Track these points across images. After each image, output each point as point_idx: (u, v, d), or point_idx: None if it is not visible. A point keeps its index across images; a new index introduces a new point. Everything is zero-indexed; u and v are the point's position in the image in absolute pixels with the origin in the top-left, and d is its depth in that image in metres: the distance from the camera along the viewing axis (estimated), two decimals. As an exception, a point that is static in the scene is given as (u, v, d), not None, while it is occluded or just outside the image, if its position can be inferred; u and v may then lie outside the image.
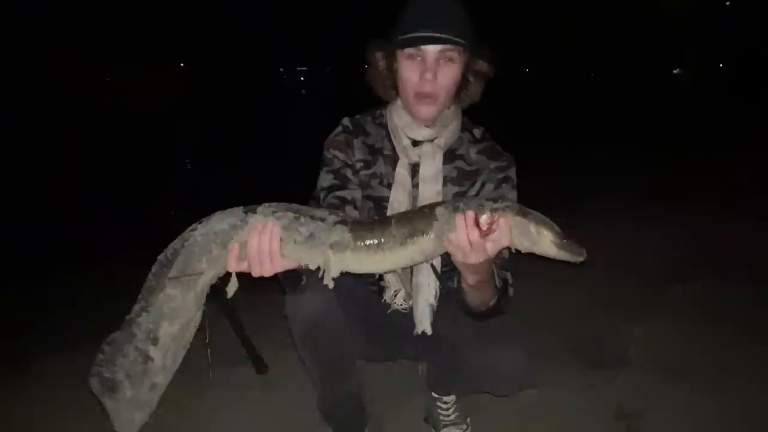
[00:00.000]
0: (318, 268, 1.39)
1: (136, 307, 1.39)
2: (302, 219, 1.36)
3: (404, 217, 1.42)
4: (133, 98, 23.76)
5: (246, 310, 3.00)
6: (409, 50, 1.63)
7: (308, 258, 1.38)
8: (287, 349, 2.66)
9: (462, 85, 1.72)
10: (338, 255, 1.38)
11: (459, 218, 1.36)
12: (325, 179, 1.75)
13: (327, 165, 1.77)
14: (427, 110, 1.68)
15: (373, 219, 1.44)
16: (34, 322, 3.34)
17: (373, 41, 1.74)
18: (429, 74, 1.62)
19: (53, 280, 4.03)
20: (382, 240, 1.38)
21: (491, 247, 1.39)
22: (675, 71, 38.96)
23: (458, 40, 1.60)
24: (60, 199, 6.78)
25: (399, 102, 1.77)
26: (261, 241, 1.33)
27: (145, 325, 1.36)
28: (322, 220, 1.37)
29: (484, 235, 1.37)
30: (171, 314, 1.36)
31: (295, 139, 10.74)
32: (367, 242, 1.38)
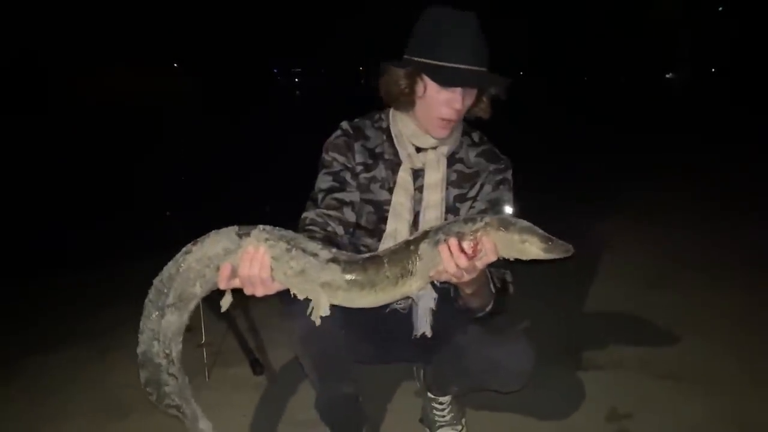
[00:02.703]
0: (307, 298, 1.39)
1: (144, 337, 1.41)
2: (294, 252, 1.34)
3: (395, 257, 1.41)
4: (126, 98, 23.68)
5: (241, 311, 3.02)
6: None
7: (298, 290, 1.38)
8: (283, 349, 2.68)
9: (474, 103, 1.73)
10: (329, 293, 1.37)
11: (443, 249, 1.37)
12: (324, 181, 1.76)
13: (326, 167, 1.78)
14: (446, 132, 1.71)
15: (364, 257, 1.42)
16: (30, 321, 3.34)
17: (400, 61, 1.70)
18: (458, 105, 1.63)
19: (49, 279, 4.03)
20: (376, 280, 1.38)
21: (481, 264, 1.41)
22: (668, 75, 39.19)
23: (492, 77, 1.63)
24: (56, 200, 6.76)
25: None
26: (251, 269, 1.34)
27: (162, 351, 1.41)
28: (314, 255, 1.35)
29: (471, 258, 1.38)
30: (174, 336, 1.42)
31: (289, 140, 10.75)
32: (361, 282, 1.38)
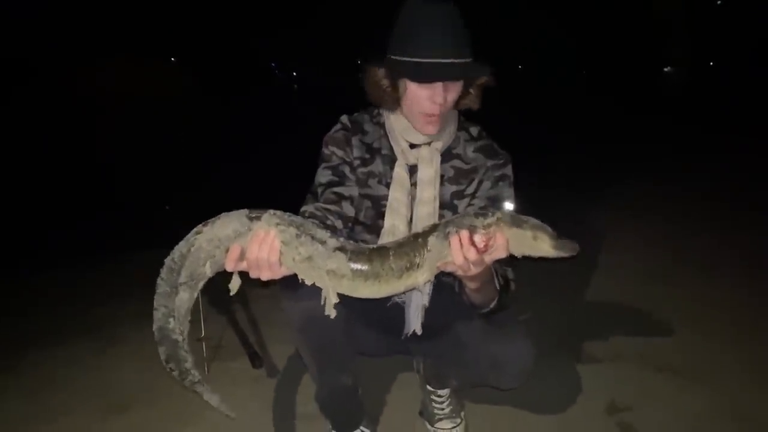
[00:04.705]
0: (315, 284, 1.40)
1: (159, 314, 1.41)
2: (303, 238, 1.35)
3: (401, 249, 1.41)
4: (124, 93, 23.61)
5: (240, 304, 3.03)
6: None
7: (305, 276, 1.39)
8: (283, 343, 2.69)
9: (462, 94, 1.72)
10: (334, 281, 1.38)
11: (454, 240, 1.37)
12: (323, 175, 1.76)
13: (325, 161, 1.78)
14: (433, 128, 1.69)
15: (371, 248, 1.41)
16: (29, 317, 3.33)
17: (376, 58, 1.70)
18: (440, 99, 1.61)
19: (48, 274, 4.02)
20: (380, 272, 1.38)
21: (489, 259, 1.41)
22: (666, 69, 39.19)
23: (470, 68, 1.60)
24: (55, 195, 6.76)
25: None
26: (260, 251, 1.34)
27: (178, 328, 1.43)
28: (323, 243, 1.36)
29: (482, 252, 1.38)
30: (186, 313, 1.44)
31: (286, 135, 10.74)
32: (365, 273, 1.38)
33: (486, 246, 1.38)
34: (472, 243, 1.37)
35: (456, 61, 1.58)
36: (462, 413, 2.11)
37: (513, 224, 1.39)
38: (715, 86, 20.80)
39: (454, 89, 1.65)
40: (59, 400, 2.40)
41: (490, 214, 1.41)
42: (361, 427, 1.95)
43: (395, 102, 1.72)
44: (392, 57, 1.65)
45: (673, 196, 5.24)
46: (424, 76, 1.59)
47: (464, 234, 1.37)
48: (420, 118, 1.67)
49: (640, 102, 15.62)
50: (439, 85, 1.60)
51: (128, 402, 2.36)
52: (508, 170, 1.83)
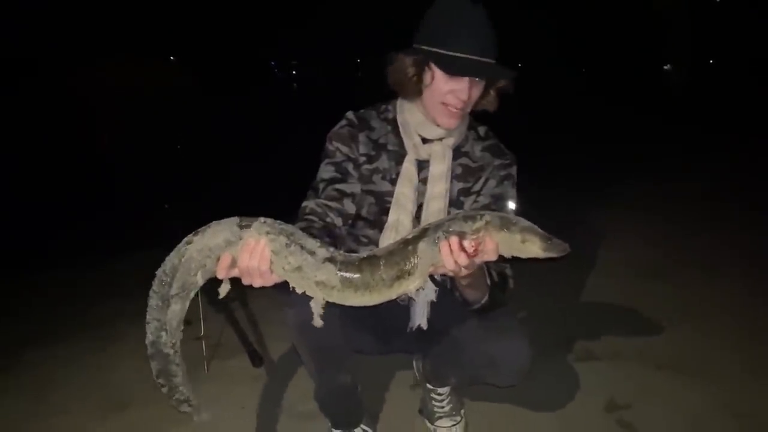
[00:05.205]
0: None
1: (152, 328, 1.40)
2: (293, 247, 1.34)
3: (391, 258, 1.39)
4: (123, 92, 23.60)
5: (240, 303, 3.03)
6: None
7: (296, 285, 1.38)
8: (282, 342, 2.69)
9: (483, 95, 1.73)
10: (324, 292, 1.37)
11: (443, 247, 1.37)
12: (326, 171, 1.76)
13: (329, 157, 1.78)
14: (454, 122, 1.71)
15: (361, 258, 1.40)
16: (29, 315, 3.34)
17: (409, 49, 1.70)
18: (464, 95, 1.63)
19: (48, 273, 4.03)
20: (371, 282, 1.37)
21: (480, 260, 1.41)
22: (665, 67, 39.18)
23: (500, 69, 1.63)
24: (54, 193, 6.76)
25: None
26: (251, 260, 1.33)
27: (170, 341, 1.42)
28: (312, 253, 1.35)
29: (472, 256, 1.38)
30: (178, 326, 1.43)
31: (285, 134, 10.74)
32: (355, 283, 1.37)
33: (476, 250, 1.38)
34: (462, 248, 1.37)
35: (487, 60, 1.60)
36: (462, 411, 2.11)
37: (502, 227, 1.39)
38: (715, 85, 20.78)
39: (478, 87, 1.67)
40: (59, 399, 2.40)
41: (478, 217, 1.40)
42: (361, 426, 1.96)
43: (417, 92, 1.72)
44: (422, 47, 1.66)
45: (673, 196, 5.24)
46: (456, 69, 1.61)
47: (454, 240, 1.36)
48: (442, 111, 1.68)
49: (640, 101, 15.59)
50: (465, 81, 1.62)
51: (127, 400, 2.36)
52: (513, 171, 1.85)
